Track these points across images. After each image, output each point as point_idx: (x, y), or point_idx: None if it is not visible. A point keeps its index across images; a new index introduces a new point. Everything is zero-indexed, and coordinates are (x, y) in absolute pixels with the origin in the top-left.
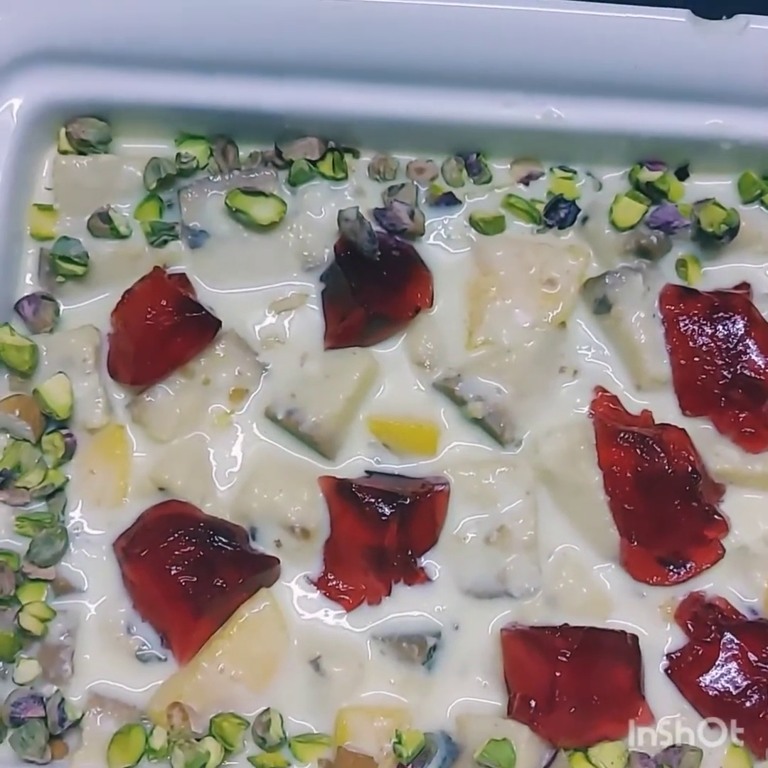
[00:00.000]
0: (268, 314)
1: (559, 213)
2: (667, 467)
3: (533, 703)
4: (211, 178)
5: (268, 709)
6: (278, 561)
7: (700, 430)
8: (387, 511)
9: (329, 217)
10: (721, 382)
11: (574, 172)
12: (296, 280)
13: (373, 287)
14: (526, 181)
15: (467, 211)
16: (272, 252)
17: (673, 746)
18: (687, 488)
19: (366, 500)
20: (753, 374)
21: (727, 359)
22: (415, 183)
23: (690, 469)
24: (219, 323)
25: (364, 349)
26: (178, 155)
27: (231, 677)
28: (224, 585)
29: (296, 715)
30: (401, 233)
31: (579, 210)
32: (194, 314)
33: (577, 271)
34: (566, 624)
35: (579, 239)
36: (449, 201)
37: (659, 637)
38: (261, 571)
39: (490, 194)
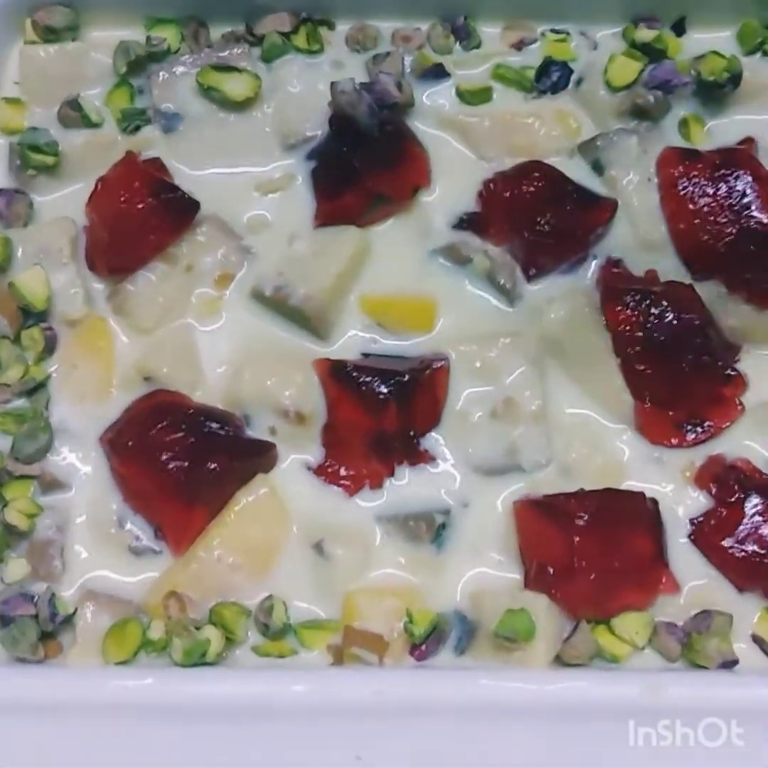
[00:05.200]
0: (252, 196)
1: (551, 77)
2: (676, 322)
3: (551, 571)
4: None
5: (270, 596)
6: (274, 445)
7: (711, 292)
8: (384, 390)
9: (308, 92)
10: (726, 240)
11: (568, 34)
12: (278, 159)
13: (371, 165)
14: (518, 46)
15: (456, 84)
16: (250, 131)
17: (702, 612)
18: (698, 340)
19: (362, 380)
20: (759, 228)
21: (730, 216)
22: (401, 51)
23: (698, 321)
24: (197, 205)
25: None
26: (148, 38)
27: (229, 565)
28: (217, 469)
29: (302, 602)
30: (391, 107)
31: (572, 72)
32: (169, 195)
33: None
34: (582, 489)
35: (574, 104)
36: (438, 73)
37: (680, 503)
38: (256, 456)
39: (481, 66)
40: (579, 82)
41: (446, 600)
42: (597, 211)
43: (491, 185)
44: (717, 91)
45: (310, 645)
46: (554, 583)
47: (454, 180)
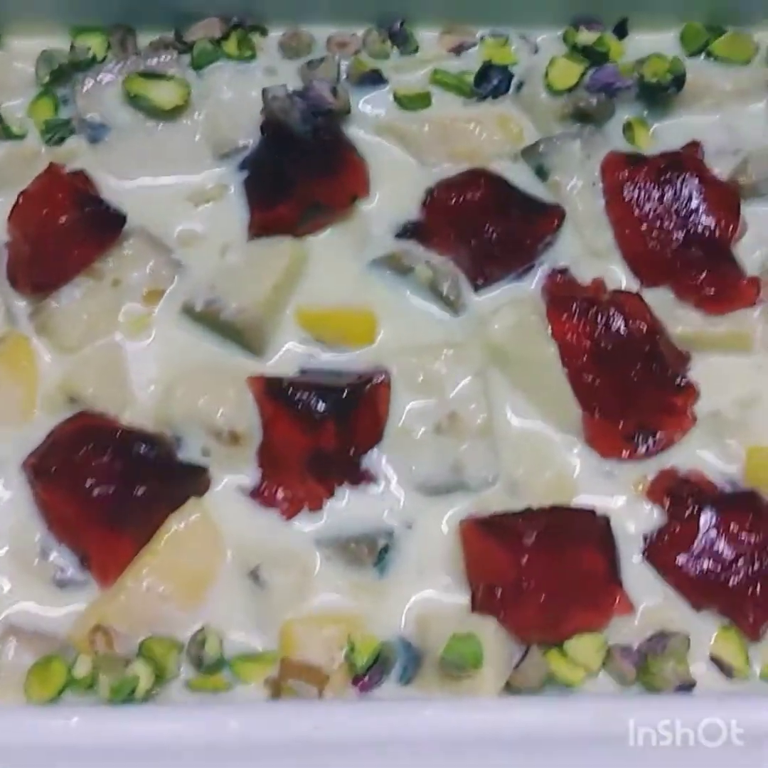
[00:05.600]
0: (183, 207)
1: (492, 81)
2: (623, 330)
3: (499, 593)
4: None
5: (203, 628)
6: (207, 469)
7: (659, 300)
8: (322, 407)
9: (240, 100)
10: (673, 246)
11: (507, 38)
12: (209, 168)
13: (306, 173)
14: (457, 50)
15: (394, 90)
16: (180, 140)
17: (658, 633)
18: (647, 349)
19: (298, 398)
20: (707, 232)
21: (677, 221)
22: (337, 57)
23: (646, 328)
24: (123, 218)
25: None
26: (73, 47)
27: (160, 595)
28: (147, 494)
29: (237, 633)
30: (326, 114)
31: (513, 76)
32: (93, 208)
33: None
34: (530, 507)
35: (516, 108)
36: (375, 79)
37: (633, 520)
38: (187, 479)
39: (419, 72)
40: (520, 86)
41: (390, 627)
42: (544, 219)
43: (435, 193)
44: (660, 93)
45: (246, 678)
46: (502, 606)
47: (395, 187)
